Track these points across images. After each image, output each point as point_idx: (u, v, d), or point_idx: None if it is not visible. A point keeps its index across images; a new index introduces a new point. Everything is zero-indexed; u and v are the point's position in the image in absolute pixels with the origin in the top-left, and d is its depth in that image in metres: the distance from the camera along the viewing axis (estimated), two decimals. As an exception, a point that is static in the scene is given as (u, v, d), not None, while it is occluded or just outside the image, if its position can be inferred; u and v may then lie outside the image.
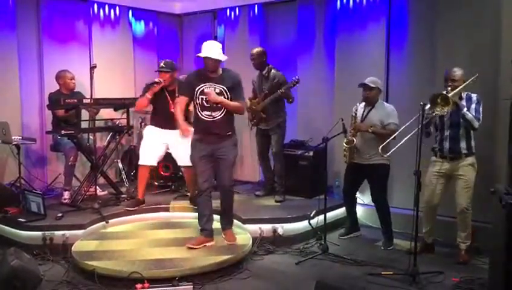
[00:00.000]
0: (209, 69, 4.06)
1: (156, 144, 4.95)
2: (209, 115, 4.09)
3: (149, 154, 4.96)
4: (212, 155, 4.14)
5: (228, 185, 4.25)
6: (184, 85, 4.31)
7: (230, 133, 4.16)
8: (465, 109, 3.95)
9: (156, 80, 4.89)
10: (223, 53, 4.16)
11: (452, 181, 4.17)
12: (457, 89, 3.91)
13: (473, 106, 3.99)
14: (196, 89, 4.11)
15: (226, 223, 4.39)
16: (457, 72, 4.01)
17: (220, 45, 4.10)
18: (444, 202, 4.27)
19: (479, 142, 4.19)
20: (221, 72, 4.13)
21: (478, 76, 3.98)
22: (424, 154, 3.74)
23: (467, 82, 3.96)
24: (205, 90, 4.05)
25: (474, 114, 3.95)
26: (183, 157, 4.86)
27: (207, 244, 4.19)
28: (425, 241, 4.36)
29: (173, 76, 4.93)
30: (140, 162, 5.02)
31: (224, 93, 4.08)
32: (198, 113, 4.14)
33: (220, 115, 4.09)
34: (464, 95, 4.06)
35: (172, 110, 4.86)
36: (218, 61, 4.06)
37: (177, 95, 4.68)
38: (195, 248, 4.09)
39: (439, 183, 4.20)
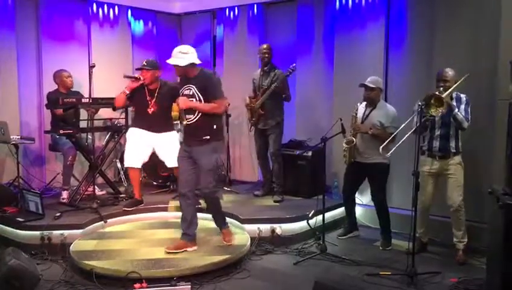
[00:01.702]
0: (177, 74, 4.04)
1: (140, 146, 4.86)
2: (186, 118, 4.02)
3: (134, 156, 4.86)
4: (191, 157, 4.05)
5: (206, 191, 4.06)
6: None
7: (208, 137, 3.99)
8: (456, 110, 3.96)
9: (136, 75, 4.80)
10: (191, 54, 3.94)
11: (441, 180, 4.20)
12: (450, 90, 3.92)
13: (462, 106, 4.02)
14: (180, 92, 4.09)
15: (219, 225, 4.35)
16: (449, 72, 4.03)
17: (185, 48, 3.93)
18: (440, 201, 4.28)
19: (477, 142, 4.20)
20: (197, 73, 4.01)
21: (469, 76, 4.00)
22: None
23: (459, 82, 3.98)
24: (180, 96, 4.02)
25: (463, 114, 3.98)
26: (171, 158, 4.84)
27: (188, 249, 4.05)
28: (422, 240, 4.38)
29: (154, 74, 4.81)
30: (126, 165, 4.99)
31: (196, 95, 3.96)
32: None
33: (194, 118, 3.98)
34: (453, 95, 4.08)
35: (149, 111, 4.81)
36: (182, 66, 3.91)
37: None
38: (174, 253, 3.97)
39: (430, 183, 4.23)
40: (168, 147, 4.89)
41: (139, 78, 4.77)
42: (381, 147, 4.11)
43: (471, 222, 4.34)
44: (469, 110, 4.02)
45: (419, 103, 3.77)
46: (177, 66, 3.91)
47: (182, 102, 3.98)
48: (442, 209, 4.35)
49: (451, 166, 4.11)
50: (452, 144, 4.09)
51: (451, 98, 4.04)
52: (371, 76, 4.50)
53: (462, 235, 4.16)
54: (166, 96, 4.78)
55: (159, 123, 4.86)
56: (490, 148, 4.44)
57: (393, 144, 4.21)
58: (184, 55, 3.88)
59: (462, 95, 4.08)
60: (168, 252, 3.97)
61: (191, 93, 3.99)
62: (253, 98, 5.40)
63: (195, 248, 4.12)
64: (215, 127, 4.03)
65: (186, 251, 4.03)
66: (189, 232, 4.11)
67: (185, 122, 4.03)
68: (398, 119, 4.38)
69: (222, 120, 4.26)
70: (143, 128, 4.85)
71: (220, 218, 4.34)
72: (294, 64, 5.18)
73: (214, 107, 3.98)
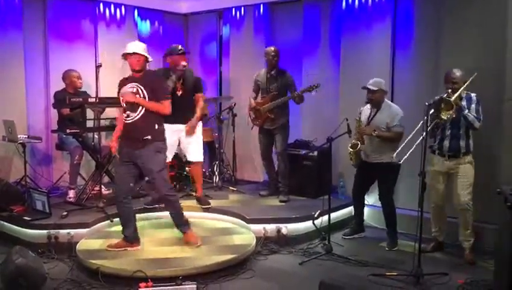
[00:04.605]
0: (132, 67, 3.94)
1: (170, 142, 4.62)
2: (127, 117, 3.89)
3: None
4: (132, 161, 3.94)
5: (162, 194, 4.02)
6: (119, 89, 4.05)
7: (149, 137, 3.86)
8: (466, 110, 3.95)
9: (183, 62, 4.78)
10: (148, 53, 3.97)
11: (451, 180, 4.18)
12: (459, 92, 3.90)
13: (473, 106, 4.00)
14: (121, 91, 3.97)
15: (179, 226, 4.27)
16: (457, 73, 4.01)
17: (144, 45, 3.97)
18: (448, 201, 4.26)
19: (485, 142, 4.18)
20: (143, 72, 3.96)
21: (476, 75, 3.99)
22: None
23: (467, 82, 3.96)
24: (122, 91, 3.94)
25: (474, 114, 3.96)
26: (192, 152, 4.80)
27: (128, 248, 4.07)
28: (438, 240, 4.38)
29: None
30: None
31: (140, 92, 3.87)
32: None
33: (138, 115, 3.86)
34: (463, 95, 4.05)
35: (178, 93, 4.79)
36: (137, 57, 3.88)
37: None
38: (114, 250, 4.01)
39: (441, 181, 4.23)
40: (192, 139, 4.88)
41: (185, 65, 4.82)
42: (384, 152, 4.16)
43: (479, 222, 4.32)
44: (480, 110, 3.99)
45: (427, 103, 3.73)
46: (145, 57, 3.89)
47: (127, 96, 3.85)
48: (451, 210, 4.32)
49: (461, 165, 4.09)
50: (462, 143, 4.07)
51: (461, 98, 4.01)
52: (373, 78, 4.50)
53: (469, 234, 4.14)
54: (189, 80, 4.89)
55: (186, 109, 4.83)
56: (498, 148, 4.41)
57: (399, 143, 4.22)
58: (144, 52, 3.89)
59: (473, 94, 4.05)
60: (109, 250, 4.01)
61: (134, 90, 3.88)
62: (255, 98, 5.39)
63: (138, 247, 4.11)
64: (156, 127, 3.91)
65: (126, 249, 4.04)
66: (126, 234, 4.10)
67: (126, 121, 3.90)
68: (403, 117, 4.39)
69: (163, 122, 4.03)
70: (171, 123, 4.54)
71: (178, 221, 4.24)
72: (319, 84, 5.01)
73: (160, 106, 3.92)
